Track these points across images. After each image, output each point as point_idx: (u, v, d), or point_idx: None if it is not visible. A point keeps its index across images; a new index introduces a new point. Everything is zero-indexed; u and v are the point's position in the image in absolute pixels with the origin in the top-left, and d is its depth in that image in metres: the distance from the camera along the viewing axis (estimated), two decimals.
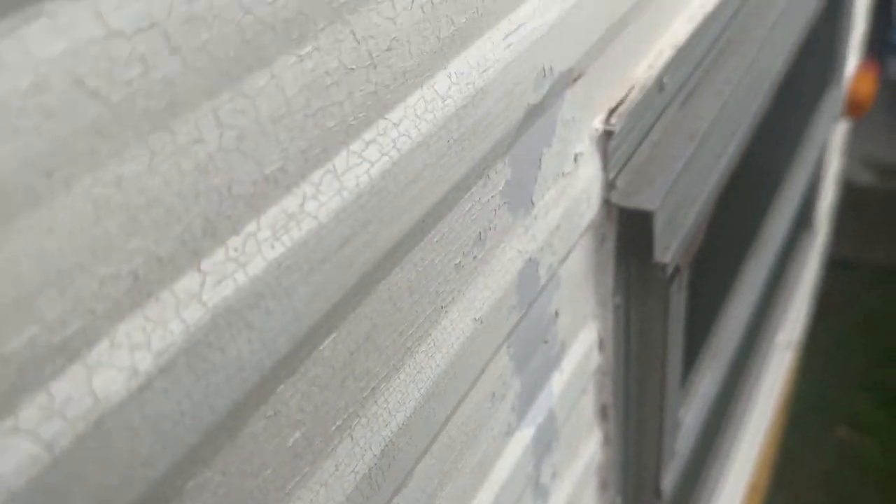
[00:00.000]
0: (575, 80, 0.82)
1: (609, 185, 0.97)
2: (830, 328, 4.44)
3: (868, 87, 3.28)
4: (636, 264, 1.07)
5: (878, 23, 4.21)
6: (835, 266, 4.52)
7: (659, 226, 0.98)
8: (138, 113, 0.38)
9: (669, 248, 1.01)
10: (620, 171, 0.98)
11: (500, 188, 0.74)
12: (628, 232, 1.01)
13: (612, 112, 0.94)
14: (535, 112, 0.75)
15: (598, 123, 0.92)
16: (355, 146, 0.53)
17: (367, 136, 0.54)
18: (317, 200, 0.50)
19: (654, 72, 1.02)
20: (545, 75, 0.74)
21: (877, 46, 4.59)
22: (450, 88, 0.61)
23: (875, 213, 5.12)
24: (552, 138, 0.82)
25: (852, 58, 3.25)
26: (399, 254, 0.60)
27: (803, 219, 2.79)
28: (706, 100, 1.14)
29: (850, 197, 4.66)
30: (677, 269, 1.08)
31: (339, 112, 0.51)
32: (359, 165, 0.53)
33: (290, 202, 0.48)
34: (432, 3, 0.57)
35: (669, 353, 1.19)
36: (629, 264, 1.08)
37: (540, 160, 0.80)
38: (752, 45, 1.28)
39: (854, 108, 3.25)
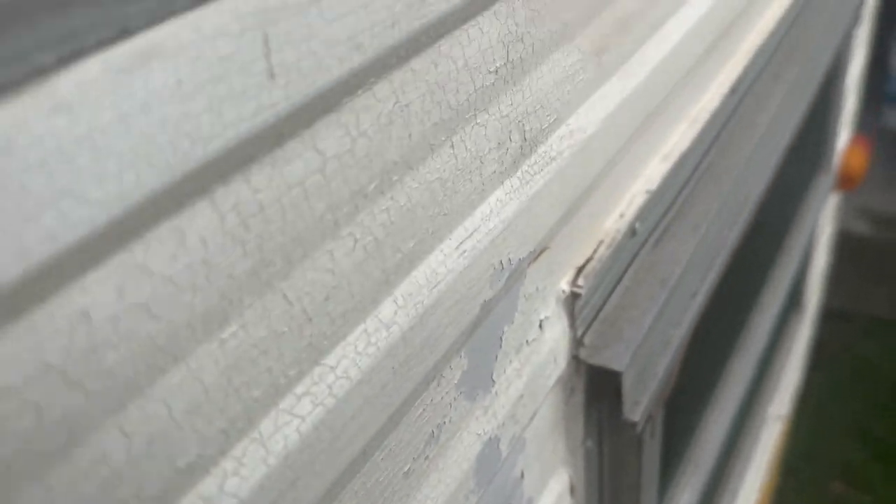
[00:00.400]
0: (537, 256, 0.81)
1: (577, 342, 0.95)
2: (825, 378, 4.38)
3: (860, 162, 3.29)
4: (607, 412, 1.05)
5: (875, 74, 4.21)
6: (829, 316, 4.48)
7: (628, 384, 0.95)
8: (31, 459, 0.36)
9: (640, 403, 0.98)
10: (589, 326, 0.96)
11: (456, 381, 0.72)
12: (597, 387, 0.99)
13: (579, 271, 0.92)
14: (491, 304, 0.73)
15: (564, 285, 0.90)
16: (285, 404, 0.51)
17: (300, 389, 0.52)
18: (238, 476, 0.48)
19: (626, 220, 1.01)
20: (503, 268, 0.73)
21: (874, 97, 4.60)
22: (395, 314, 0.59)
23: (870, 263, 5.11)
24: (514, 314, 0.80)
25: (844, 132, 3.26)
26: (335, 491, 0.58)
27: (793, 300, 2.77)
28: (681, 238, 1.12)
29: (846, 247, 4.63)
30: (650, 417, 1.06)
31: (268, 378, 0.49)
32: (288, 424, 0.51)
33: (207, 486, 0.46)
34: (376, 240, 0.56)
35: (644, 492, 1.16)
36: (600, 411, 1.05)
37: (501, 338, 0.78)
38: (731, 171, 1.26)
39: (846, 182, 3.25)
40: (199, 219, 0.42)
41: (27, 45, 0.31)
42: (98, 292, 0.37)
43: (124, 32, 0.34)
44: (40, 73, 0.32)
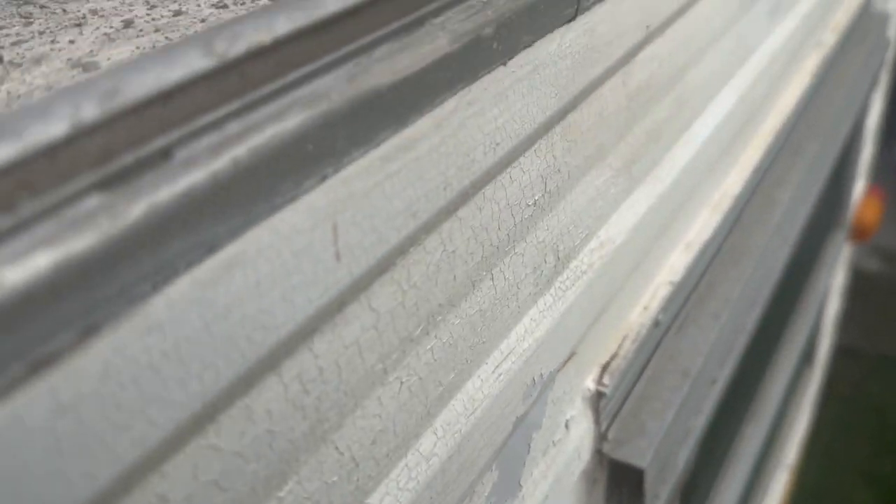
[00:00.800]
0: (565, 363, 0.83)
1: (601, 437, 0.97)
2: (833, 417, 4.33)
3: (874, 214, 3.30)
4: (627, 500, 1.06)
5: (891, 109, 4.18)
6: (839, 353, 4.44)
7: (650, 479, 0.97)
8: None
9: (660, 497, 1.00)
10: (612, 420, 0.98)
11: (487, 493, 0.74)
12: (619, 478, 1.01)
13: (604, 368, 0.94)
14: (523, 418, 0.75)
15: (590, 383, 0.92)
16: None
17: None
18: None
19: (650, 313, 1.03)
20: (535, 384, 0.75)
21: (886, 134, 4.58)
22: (435, 445, 0.61)
23: (882, 300, 5.06)
24: (542, 419, 0.82)
25: (859, 182, 3.28)
26: None
27: (806, 356, 2.77)
28: (702, 325, 1.14)
29: (857, 284, 4.58)
30: None
31: None
32: None
33: None
34: (420, 379, 0.58)
35: None
36: (620, 500, 1.07)
37: (529, 445, 0.80)
38: (752, 254, 1.28)
39: (859, 234, 3.26)
40: (266, 393, 0.44)
41: (128, 280, 0.34)
42: (175, 476, 0.40)
43: (211, 250, 0.37)
44: (137, 301, 0.34)
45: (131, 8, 0.61)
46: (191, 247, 0.36)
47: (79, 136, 0.31)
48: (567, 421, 0.88)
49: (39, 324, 0.30)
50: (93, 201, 0.32)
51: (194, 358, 0.38)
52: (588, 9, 0.67)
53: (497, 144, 0.59)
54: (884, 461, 4.20)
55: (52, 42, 0.55)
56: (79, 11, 0.61)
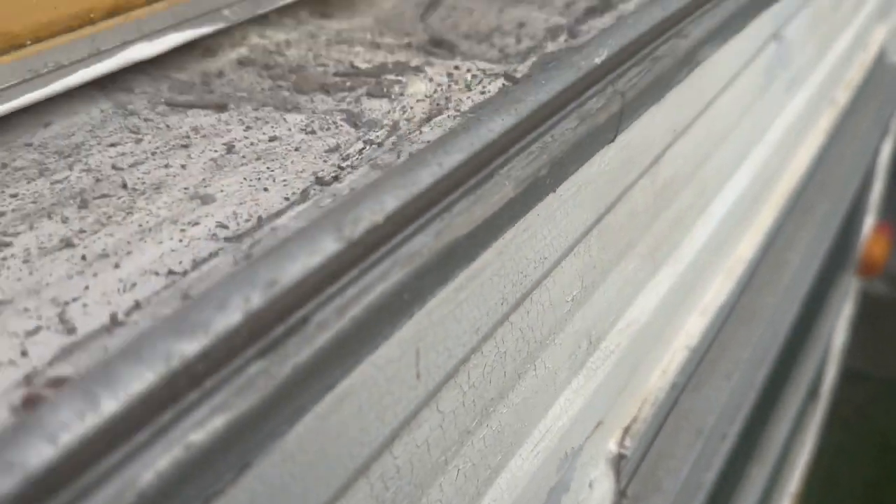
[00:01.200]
0: (593, 431, 0.91)
1: (620, 494, 1.05)
2: (836, 442, 4.33)
3: (882, 250, 3.37)
4: None
5: None
6: (843, 376, 4.44)
7: None
8: None
9: None
10: (631, 479, 1.06)
11: None
12: None
13: (626, 432, 1.02)
14: (556, 487, 0.83)
15: (612, 445, 1.00)
16: None
17: None
18: None
19: (668, 377, 1.11)
20: (567, 457, 0.83)
21: None
22: None
23: (887, 324, 5.06)
24: (571, 483, 0.90)
25: (869, 218, 3.34)
26: None
27: (812, 393, 2.84)
28: (715, 385, 1.22)
29: (863, 308, 4.58)
30: None
31: None
32: None
33: None
34: (474, 465, 0.66)
35: None
36: None
37: None
38: (763, 315, 1.36)
39: (867, 269, 3.33)
40: (357, 494, 0.53)
41: (275, 423, 0.42)
42: None
43: (329, 388, 0.46)
44: (278, 439, 0.43)
45: (228, 127, 0.70)
46: (318, 390, 0.44)
47: (247, 321, 0.39)
48: (591, 481, 0.96)
49: (213, 470, 0.39)
50: (254, 368, 0.40)
51: (312, 477, 0.46)
52: (625, 129, 0.75)
53: (545, 258, 0.67)
54: (886, 488, 4.21)
55: (166, 166, 0.64)
56: (181, 128, 0.70)
